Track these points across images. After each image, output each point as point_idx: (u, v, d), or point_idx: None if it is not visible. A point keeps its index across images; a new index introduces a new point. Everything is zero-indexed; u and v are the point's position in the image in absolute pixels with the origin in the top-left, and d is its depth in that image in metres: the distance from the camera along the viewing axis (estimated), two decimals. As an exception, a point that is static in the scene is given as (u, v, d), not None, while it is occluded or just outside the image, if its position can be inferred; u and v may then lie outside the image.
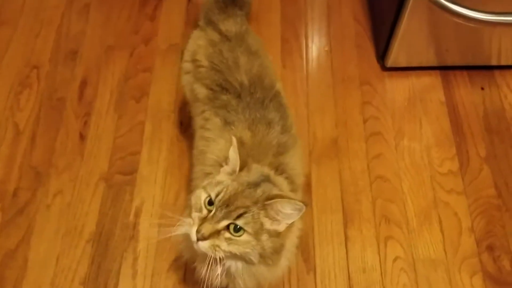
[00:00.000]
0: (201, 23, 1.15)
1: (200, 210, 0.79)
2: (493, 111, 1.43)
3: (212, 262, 0.79)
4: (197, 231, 0.77)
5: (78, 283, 1.17)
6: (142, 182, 1.31)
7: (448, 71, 1.51)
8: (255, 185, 0.79)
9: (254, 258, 0.79)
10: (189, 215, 0.82)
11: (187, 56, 1.13)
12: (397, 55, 1.45)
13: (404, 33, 1.36)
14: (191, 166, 1.14)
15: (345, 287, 1.17)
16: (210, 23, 1.12)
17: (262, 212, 0.78)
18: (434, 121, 1.42)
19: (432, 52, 1.45)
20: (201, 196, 0.80)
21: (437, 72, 1.51)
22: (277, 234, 0.80)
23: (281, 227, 0.80)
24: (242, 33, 1.09)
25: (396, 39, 1.39)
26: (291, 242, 0.88)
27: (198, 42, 1.11)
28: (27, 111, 1.43)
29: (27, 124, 1.41)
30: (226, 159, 0.84)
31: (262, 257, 0.79)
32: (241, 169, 0.81)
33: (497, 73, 1.50)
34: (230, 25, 1.09)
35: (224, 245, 0.77)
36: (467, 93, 1.47)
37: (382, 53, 1.49)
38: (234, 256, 0.79)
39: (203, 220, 0.78)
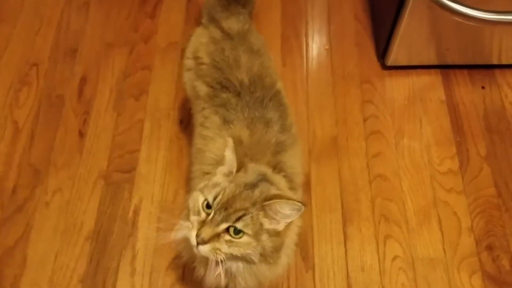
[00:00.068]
0: (204, 20, 1.15)
1: (199, 213, 0.79)
2: (493, 110, 1.43)
3: (213, 265, 0.79)
4: (197, 235, 0.76)
5: (76, 280, 1.17)
6: (141, 180, 1.31)
7: (449, 70, 1.50)
8: (253, 185, 0.79)
9: (255, 258, 0.79)
10: (187, 218, 0.81)
11: (189, 53, 1.13)
12: (397, 54, 1.44)
13: (404, 31, 1.36)
14: (190, 165, 1.14)
15: (343, 286, 1.17)
16: (213, 20, 1.11)
17: (261, 213, 0.78)
18: (434, 120, 1.42)
19: (432, 51, 1.44)
20: (198, 199, 0.80)
21: (438, 71, 1.51)
22: (276, 233, 0.80)
23: (280, 227, 0.80)
24: (244, 32, 1.09)
25: (397, 37, 1.39)
26: (290, 239, 0.88)
27: (200, 40, 1.10)
28: (26, 109, 1.43)
29: (26, 121, 1.41)
30: (222, 159, 0.84)
31: (263, 256, 0.79)
32: (238, 170, 0.80)
33: (497, 72, 1.50)
34: (232, 23, 1.09)
35: (224, 248, 0.77)
36: (468, 92, 1.47)
37: (382, 52, 1.49)
38: (235, 258, 0.79)
39: (202, 223, 0.77)
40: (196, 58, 1.09)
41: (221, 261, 0.78)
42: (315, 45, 1.57)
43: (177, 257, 1.17)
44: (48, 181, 1.30)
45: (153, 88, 1.47)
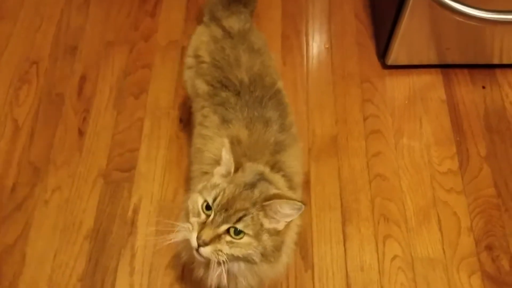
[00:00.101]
0: (205, 19, 1.15)
1: (198, 215, 0.79)
2: (494, 110, 1.43)
3: (215, 265, 0.79)
4: (198, 237, 0.76)
5: (75, 279, 1.17)
6: (141, 179, 1.31)
7: (449, 70, 1.50)
8: (252, 185, 0.79)
9: (257, 258, 0.79)
10: (187, 219, 0.81)
11: (190, 51, 1.13)
12: (397, 53, 1.44)
13: (405, 31, 1.35)
14: (189, 164, 1.14)
15: (342, 286, 1.17)
16: (214, 19, 1.11)
17: (261, 213, 0.78)
18: (434, 119, 1.42)
19: (433, 50, 1.44)
20: (197, 201, 0.80)
21: (438, 70, 1.50)
22: (277, 233, 0.80)
23: (280, 226, 0.80)
24: (245, 31, 1.08)
25: (397, 37, 1.38)
26: (290, 238, 0.88)
27: (201, 38, 1.10)
28: (26, 107, 1.43)
29: (26, 119, 1.41)
30: (219, 161, 0.83)
31: (264, 256, 0.79)
32: (235, 170, 0.80)
33: (498, 71, 1.49)
34: (233, 22, 1.09)
35: (226, 249, 0.77)
36: (468, 91, 1.46)
37: (382, 51, 1.48)
38: (236, 258, 0.79)
39: (203, 225, 0.77)
40: (196, 56, 1.09)
41: (223, 262, 0.78)
42: (316, 44, 1.57)
43: (176, 256, 1.17)
44: (47, 179, 1.30)
45: (153, 86, 1.46)
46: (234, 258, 0.79)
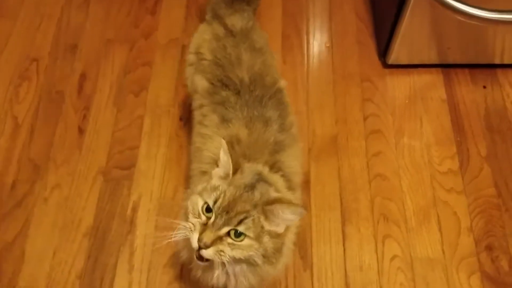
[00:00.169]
0: (207, 17, 1.15)
1: (199, 216, 0.79)
2: (494, 110, 1.42)
3: (219, 266, 0.80)
4: (199, 240, 0.76)
5: (74, 276, 1.17)
6: (140, 176, 1.31)
7: (450, 69, 1.49)
8: (251, 187, 0.79)
9: (258, 259, 0.79)
10: (186, 219, 0.81)
11: (191, 48, 1.13)
12: (398, 52, 1.44)
13: (406, 30, 1.35)
14: (189, 163, 1.14)
15: (341, 285, 1.17)
16: (217, 17, 1.11)
17: (262, 216, 0.78)
18: (434, 119, 1.41)
19: (433, 50, 1.43)
20: (197, 202, 0.79)
21: (439, 70, 1.50)
22: (277, 235, 0.80)
23: (280, 229, 0.80)
24: (247, 29, 1.08)
25: (398, 36, 1.38)
26: (288, 239, 0.87)
27: (204, 36, 1.10)
28: (26, 104, 1.43)
29: (26, 117, 1.41)
30: (216, 162, 0.83)
31: (265, 257, 0.80)
32: (234, 171, 0.80)
33: (499, 71, 1.49)
34: (236, 20, 1.09)
35: (228, 250, 0.77)
36: (469, 91, 1.46)
37: (383, 50, 1.48)
38: (238, 261, 0.79)
39: (204, 227, 0.77)
40: (198, 53, 1.09)
41: (226, 262, 0.78)
42: (316, 43, 1.56)
43: (175, 255, 1.17)
44: (47, 177, 1.30)
45: (153, 84, 1.46)
46: (236, 260, 0.79)
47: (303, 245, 1.20)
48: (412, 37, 1.38)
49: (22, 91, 1.45)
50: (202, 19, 1.20)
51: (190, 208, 0.80)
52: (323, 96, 1.45)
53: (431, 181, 1.31)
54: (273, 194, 0.80)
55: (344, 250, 1.21)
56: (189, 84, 1.13)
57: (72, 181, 1.30)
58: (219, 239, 0.77)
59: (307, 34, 1.58)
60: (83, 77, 1.48)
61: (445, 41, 1.40)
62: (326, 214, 1.25)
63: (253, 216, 0.77)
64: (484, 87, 1.47)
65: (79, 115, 1.41)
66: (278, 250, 0.81)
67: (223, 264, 0.80)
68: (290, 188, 0.89)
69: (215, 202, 0.77)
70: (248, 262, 0.80)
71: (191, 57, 1.12)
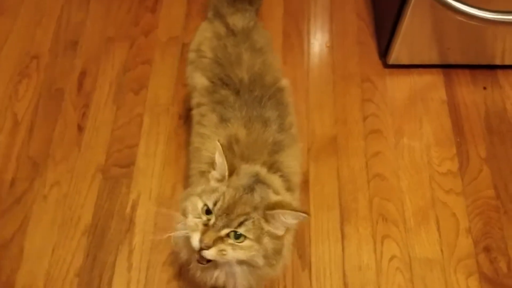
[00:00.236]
0: (209, 15, 1.14)
1: (199, 217, 0.79)
2: (494, 112, 1.42)
3: (220, 266, 0.80)
4: (200, 241, 0.76)
5: (73, 274, 1.17)
6: (139, 175, 1.31)
7: (451, 70, 1.49)
8: (250, 188, 0.79)
9: (259, 260, 0.79)
10: (186, 217, 0.81)
11: (193, 46, 1.13)
12: (399, 53, 1.43)
13: (407, 30, 1.35)
14: (188, 162, 1.14)
15: (340, 285, 1.17)
16: (219, 16, 1.11)
17: (262, 219, 0.78)
18: (434, 120, 1.41)
19: (434, 50, 1.43)
20: (197, 204, 0.79)
21: (439, 70, 1.49)
22: (277, 237, 0.80)
23: (280, 231, 0.80)
24: (249, 29, 1.08)
25: (398, 36, 1.38)
26: (287, 240, 0.87)
27: (205, 34, 1.10)
28: (25, 101, 1.43)
29: (25, 114, 1.40)
30: (213, 164, 0.83)
31: (266, 258, 0.80)
32: (230, 173, 0.80)
33: (500, 73, 1.49)
34: (237, 20, 1.08)
35: (229, 249, 0.77)
36: (469, 92, 1.46)
37: (384, 50, 1.48)
38: (241, 262, 0.80)
39: (205, 228, 0.77)
40: (198, 50, 1.09)
41: (228, 262, 0.79)
42: (317, 42, 1.56)
43: (174, 253, 1.17)
44: (46, 174, 1.30)
45: (153, 82, 1.46)
46: (238, 262, 0.79)
47: (301, 245, 1.21)
48: (413, 37, 1.38)
49: (22, 88, 1.45)
50: (202, 17, 1.20)
51: (190, 208, 0.80)
52: (323, 96, 1.45)
53: (430, 181, 1.31)
54: (273, 198, 0.80)
55: (343, 250, 1.21)
56: (190, 82, 1.13)
57: (71, 179, 1.30)
58: (220, 239, 0.77)
59: (308, 33, 1.57)
60: (83, 74, 1.48)
61: (446, 42, 1.40)
62: (325, 214, 1.25)
63: (253, 218, 0.77)
64: (485, 88, 1.47)
65: (79, 113, 1.41)
66: (278, 252, 0.81)
67: (224, 264, 0.80)
68: (289, 188, 0.89)
69: (214, 204, 0.77)
70: (250, 263, 0.80)
71: (192, 55, 1.12)
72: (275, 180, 0.85)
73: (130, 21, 1.59)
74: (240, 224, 0.76)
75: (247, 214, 0.77)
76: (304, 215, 0.78)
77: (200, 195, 0.80)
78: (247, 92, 0.97)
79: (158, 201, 1.27)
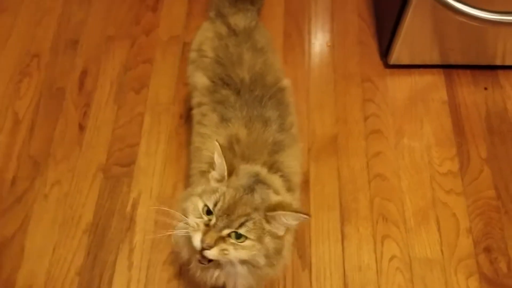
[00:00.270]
0: (211, 14, 1.14)
1: (201, 217, 0.79)
2: (495, 112, 1.42)
3: (222, 266, 0.80)
4: (202, 241, 0.76)
5: (73, 273, 1.18)
6: (140, 174, 1.31)
7: (452, 70, 1.49)
8: (250, 189, 0.79)
9: (261, 260, 0.80)
10: (186, 216, 0.81)
11: (194, 45, 1.13)
12: (400, 53, 1.43)
13: (408, 30, 1.35)
14: (188, 162, 1.14)
15: (340, 285, 1.17)
16: (220, 15, 1.11)
17: (263, 219, 0.78)
18: (435, 120, 1.41)
19: (435, 51, 1.43)
20: (198, 204, 0.79)
21: (440, 70, 1.49)
22: (278, 236, 0.81)
23: (280, 232, 0.81)
24: (250, 29, 1.08)
25: (399, 36, 1.38)
26: (287, 240, 0.88)
27: (206, 34, 1.10)
28: (26, 100, 1.43)
29: (26, 113, 1.41)
30: (212, 164, 0.83)
31: (267, 258, 0.80)
32: (230, 173, 0.80)
33: (500, 73, 1.49)
34: (239, 20, 1.08)
35: (231, 249, 0.77)
36: (470, 92, 1.46)
37: (385, 50, 1.48)
38: (243, 262, 0.80)
39: (206, 228, 0.77)
40: (200, 50, 1.09)
41: (230, 262, 0.79)
42: (318, 42, 1.56)
43: (174, 252, 1.18)
44: (47, 173, 1.31)
45: (154, 82, 1.46)
46: (240, 262, 0.79)
47: (301, 245, 1.21)
48: (414, 37, 1.38)
49: (23, 87, 1.45)
50: (203, 16, 1.20)
51: (191, 208, 0.80)
52: (324, 95, 1.45)
53: (431, 182, 1.31)
54: (274, 198, 0.80)
55: (343, 250, 1.21)
56: (191, 82, 1.13)
57: (72, 178, 1.30)
58: (222, 238, 0.77)
59: (309, 33, 1.57)
60: (84, 73, 1.48)
61: (447, 42, 1.40)
62: (325, 214, 1.26)
63: (254, 219, 0.77)
64: (485, 88, 1.47)
65: (80, 112, 1.41)
66: (279, 252, 0.82)
67: (225, 264, 0.80)
68: (290, 188, 0.89)
69: (215, 205, 0.77)
70: (251, 263, 0.80)
71: (193, 55, 1.12)
72: (276, 180, 0.85)
73: (131, 20, 1.58)
74: (241, 225, 0.76)
75: (248, 215, 0.77)
76: (305, 216, 0.78)
77: (200, 196, 0.80)
78: (248, 92, 0.97)
79: (159, 200, 1.27)
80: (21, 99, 1.43)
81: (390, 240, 1.23)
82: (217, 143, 0.79)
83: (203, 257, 0.79)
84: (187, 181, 1.14)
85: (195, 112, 1.04)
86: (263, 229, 0.78)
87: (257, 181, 0.80)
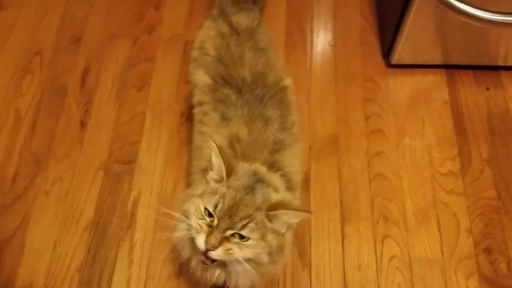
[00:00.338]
0: (214, 13, 1.14)
1: (203, 218, 0.79)
2: (497, 112, 1.42)
3: (233, 264, 0.81)
4: (206, 242, 0.76)
5: (74, 270, 1.18)
6: (141, 171, 1.31)
7: (454, 70, 1.49)
8: (251, 188, 0.79)
9: (264, 257, 0.80)
10: (187, 217, 0.81)
11: (196, 43, 1.13)
12: (402, 52, 1.43)
13: (410, 30, 1.35)
14: (189, 160, 1.14)
15: (339, 284, 1.17)
16: (223, 14, 1.11)
17: (266, 219, 0.79)
18: (436, 120, 1.41)
19: (437, 50, 1.43)
20: (199, 205, 0.79)
21: (443, 70, 1.49)
22: (280, 233, 0.81)
23: (282, 229, 0.81)
24: (253, 28, 1.08)
25: (402, 36, 1.37)
26: (288, 237, 0.88)
27: (208, 32, 1.10)
28: (28, 97, 1.43)
29: (28, 110, 1.41)
30: (210, 165, 0.83)
31: (270, 255, 0.80)
32: (229, 173, 0.80)
33: (503, 73, 1.48)
34: (241, 19, 1.08)
35: (235, 248, 0.77)
36: (472, 93, 1.45)
37: (387, 50, 1.48)
38: (247, 260, 0.80)
39: (210, 230, 0.77)
40: (202, 48, 1.09)
41: (235, 261, 0.79)
42: (320, 41, 1.56)
43: (174, 250, 1.18)
44: (48, 170, 1.31)
45: (156, 80, 1.46)
46: (244, 260, 0.79)
47: (301, 244, 1.21)
48: (416, 37, 1.38)
49: (25, 84, 1.46)
50: (206, 15, 1.20)
51: (192, 210, 0.80)
52: (325, 95, 1.45)
53: (432, 182, 1.31)
54: (274, 197, 0.80)
55: (343, 249, 1.21)
56: (191, 80, 1.13)
57: (73, 175, 1.31)
58: (226, 238, 0.77)
59: (311, 32, 1.57)
60: (86, 71, 1.48)
61: (449, 42, 1.40)
62: (326, 213, 1.26)
63: (256, 219, 0.77)
64: (487, 89, 1.46)
65: (81, 109, 1.41)
66: (281, 249, 0.82)
67: (228, 262, 0.80)
68: (290, 187, 0.89)
69: (215, 207, 0.77)
70: (254, 260, 0.80)
71: (195, 53, 1.12)
72: (275, 179, 0.85)
73: (134, 17, 1.59)
74: (244, 226, 0.76)
75: (250, 216, 0.77)
76: (306, 214, 0.78)
77: (201, 196, 0.80)
78: (249, 91, 0.97)
79: (160, 198, 1.27)
80: (23, 96, 1.43)
81: (390, 240, 1.23)
82: (214, 144, 0.79)
83: (207, 257, 0.79)
84: (188, 179, 1.14)
85: (196, 111, 1.04)
86: (266, 227, 0.78)
87: (257, 180, 0.80)
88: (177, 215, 0.83)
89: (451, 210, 1.27)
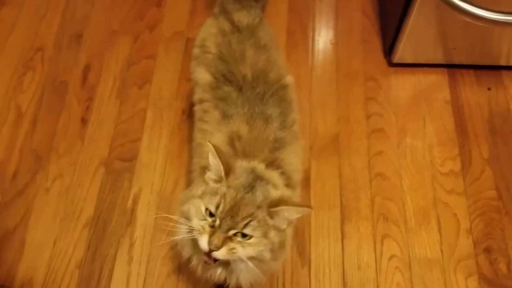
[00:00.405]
0: (215, 10, 1.14)
1: (204, 219, 0.79)
2: (498, 112, 1.42)
3: (236, 263, 0.81)
4: (209, 243, 0.76)
5: (74, 266, 1.18)
6: (141, 169, 1.31)
7: (455, 70, 1.49)
8: (251, 187, 0.79)
9: (267, 254, 0.80)
10: (187, 218, 0.81)
11: (197, 41, 1.13)
12: (404, 51, 1.43)
13: (412, 29, 1.34)
14: (190, 158, 1.14)
15: (339, 283, 1.17)
16: (224, 12, 1.11)
17: (267, 216, 0.79)
18: (438, 120, 1.41)
19: (439, 50, 1.42)
20: (200, 206, 0.80)
21: (444, 70, 1.49)
22: (281, 230, 0.81)
23: (283, 225, 0.81)
24: (254, 26, 1.08)
25: (404, 34, 1.37)
26: (289, 233, 0.88)
27: (210, 30, 1.10)
28: (29, 93, 1.43)
29: (29, 106, 1.41)
30: (208, 166, 0.83)
31: (273, 252, 0.81)
32: (227, 173, 0.80)
33: (504, 73, 1.48)
34: (243, 16, 1.08)
35: (239, 247, 0.77)
36: (473, 93, 1.45)
37: (389, 49, 1.47)
38: (250, 258, 0.80)
39: (212, 230, 0.77)
40: (203, 46, 1.09)
41: (239, 259, 0.79)
42: (321, 39, 1.56)
43: (174, 248, 1.18)
44: (49, 167, 1.31)
45: (157, 77, 1.46)
46: (248, 258, 0.80)
47: (301, 242, 1.21)
48: (418, 36, 1.37)
49: (26, 80, 1.46)
50: (207, 13, 1.20)
51: (193, 211, 0.80)
52: (326, 93, 1.45)
53: (432, 181, 1.31)
54: (274, 193, 0.80)
55: (343, 248, 1.21)
56: (192, 77, 1.13)
57: (74, 172, 1.31)
58: (229, 238, 0.77)
59: (313, 30, 1.57)
60: (87, 68, 1.48)
61: (451, 41, 1.39)
62: (326, 212, 1.26)
63: (258, 217, 0.77)
64: (489, 89, 1.46)
65: (83, 106, 1.41)
66: (282, 245, 0.82)
67: (231, 261, 0.80)
68: (290, 185, 0.89)
69: (217, 208, 0.77)
70: (257, 258, 0.81)
71: (196, 50, 1.12)
72: (274, 176, 0.85)
73: (135, 15, 1.58)
74: (246, 225, 0.77)
75: (251, 214, 0.77)
76: (307, 209, 0.79)
77: (201, 197, 0.80)
78: (250, 89, 0.97)
79: (160, 195, 1.27)
80: (24, 92, 1.43)
81: (390, 239, 1.23)
82: (210, 144, 0.79)
83: (210, 257, 0.79)
84: (188, 177, 1.14)
85: (197, 108, 1.04)
86: (267, 224, 0.79)
87: (256, 177, 0.81)
88: (177, 218, 0.83)
89: (452, 210, 1.27)
